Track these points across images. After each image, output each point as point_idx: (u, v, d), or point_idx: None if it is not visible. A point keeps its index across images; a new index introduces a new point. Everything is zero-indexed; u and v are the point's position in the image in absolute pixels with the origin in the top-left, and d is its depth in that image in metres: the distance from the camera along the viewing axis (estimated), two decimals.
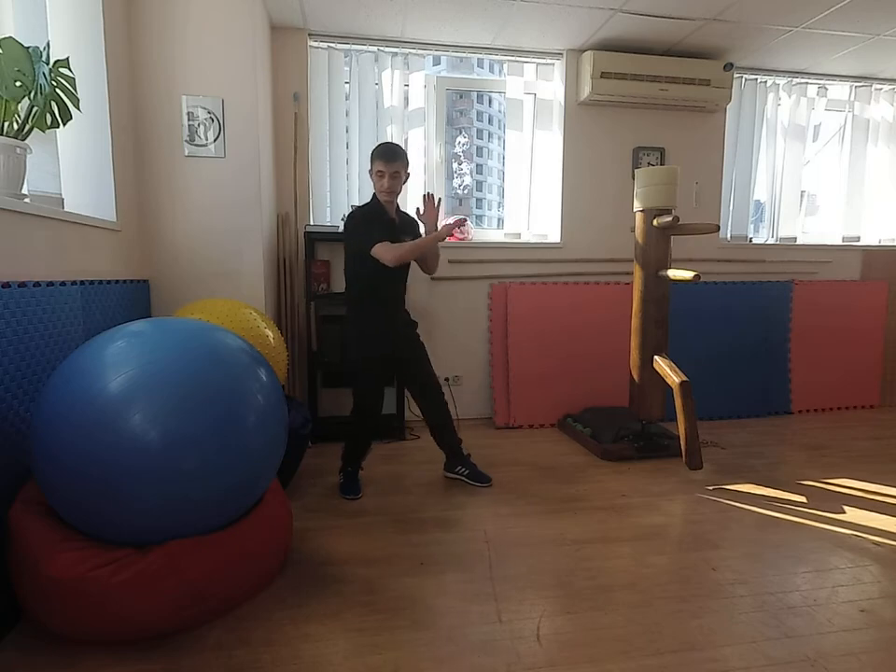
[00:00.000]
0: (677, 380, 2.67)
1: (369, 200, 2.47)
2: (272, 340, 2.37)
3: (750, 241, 3.99)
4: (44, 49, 1.72)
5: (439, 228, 2.43)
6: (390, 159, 2.32)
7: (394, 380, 3.14)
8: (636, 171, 2.93)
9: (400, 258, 2.30)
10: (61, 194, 2.15)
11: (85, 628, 1.42)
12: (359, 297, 2.48)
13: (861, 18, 3.01)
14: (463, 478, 2.55)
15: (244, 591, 1.62)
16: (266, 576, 1.71)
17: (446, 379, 3.54)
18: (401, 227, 2.44)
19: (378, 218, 2.38)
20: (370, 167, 2.39)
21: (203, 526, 1.51)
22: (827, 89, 3.91)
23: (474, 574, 1.80)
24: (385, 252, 2.27)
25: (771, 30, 3.18)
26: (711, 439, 3.19)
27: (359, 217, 2.40)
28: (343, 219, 3.24)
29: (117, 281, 2.27)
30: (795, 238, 4.02)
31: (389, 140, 3.34)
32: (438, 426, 2.57)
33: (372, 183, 2.39)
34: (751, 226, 3.97)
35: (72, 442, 1.35)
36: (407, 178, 2.43)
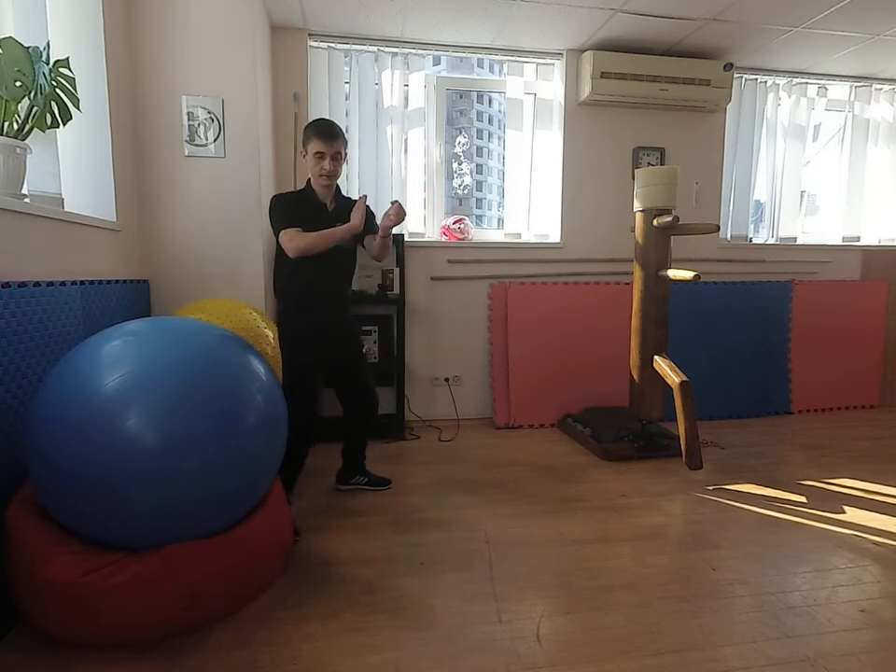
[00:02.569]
0: (677, 380, 2.67)
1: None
2: (272, 340, 2.37)
3: (750, 241, 3.99)
4: (44, 49, 1.72)
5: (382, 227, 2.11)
6: (330, 137, 2.05)
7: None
8: (636, 171, 2.93)
9: (302, 249, 1.98)
10: (61, 194, 2.15)
11: (80, 632, 1.41)
12: (288, 294, 2.20)
13: (860, 18, 3.01)
14: (363, 486, 2.47)
15: (243, 595, 1.60)
16: (266, 580, 1.70)
17: (446, 379, 3.54)
18: (337, 214, 2.13)
19: (302, 204, 2.11)
20: (303, 148, 2.11)
21: (202, 529, 1.49)
22: (827, 89, 3.91)
23: (474, 574, 1.80)
24: (287, 241, 2.00)
25: (771, 30, 3.17)
26: (711, 439, 3.19)
27: (280, 202, 2.11)
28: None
29: (117, 281, 2.27)
30: (795, 238, 4.02)
31: (384, 137, 3.34)
32: (355, 437, 2.45)
33: (308, 166, 2.12)
34: (751, 226, 3.97)
35: (67, 443, 1.34)
36: (344, 160, 2.16)
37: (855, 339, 3.93)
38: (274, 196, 2.16)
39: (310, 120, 2.16)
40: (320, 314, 2.17)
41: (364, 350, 2.41)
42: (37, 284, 1.68)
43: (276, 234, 2.07)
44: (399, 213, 2.07)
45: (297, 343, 2.14)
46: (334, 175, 2.11)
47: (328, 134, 2.05)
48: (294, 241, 2.00)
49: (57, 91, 1.78)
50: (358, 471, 2.49)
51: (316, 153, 2.06)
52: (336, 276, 2.22)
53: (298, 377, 2.10)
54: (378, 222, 2.17)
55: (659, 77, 3.35)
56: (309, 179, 2.16)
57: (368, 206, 2.16)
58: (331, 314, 2.22)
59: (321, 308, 2.17)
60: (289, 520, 1.88)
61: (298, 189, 2.29)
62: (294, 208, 2.09)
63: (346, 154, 2.17)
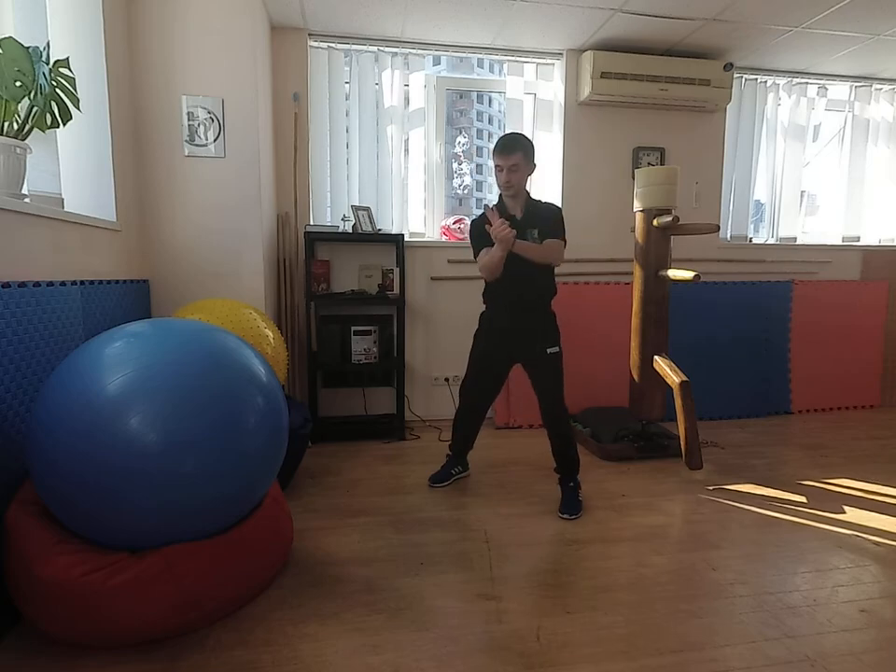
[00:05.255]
0: (677, 380, 2.67)
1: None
2: (272, 340, 2.37)
3: (750, 241, 3.99)
4: (44, 49, 1.72)
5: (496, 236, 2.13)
6: (506, 151, 2.16)
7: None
8: (636, 171, 2.93)
9: (483, 275, 2.26)
10: (61, 194, 2.15)
11: (80, 632, 1.41)
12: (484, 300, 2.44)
13: (861, 18, 3.01)
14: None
15: (242, 595, 1.61)
16: (265, 580, 1.70)
17: (446, 379, 3.54)
18: (525, 221, 2.24)
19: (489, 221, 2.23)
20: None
21: (202, 530, 1.49)
22: (827, 89, 3.91)
23: (474, 574, 1.80)
24: (479, 268, 2.27)
25: (771, 30, 3.17)
26: (711, 439, 3.19)
27: (472, 227, 2.32)
28: (343, 219, 3.25)
29: (117, 281, 2.27)
30: (795, 238, 4.02)
31: (384, 137, 3.33)
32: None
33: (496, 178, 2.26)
34: (751, 226, 3.97)
35: (68, 444, 1.33)
36: (532, 171, 2.25)
37: (855, 339, 3.93)
38: (472, 221, 2.36)
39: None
40: (496, 322, 2.38)
41: (551, 354, 2.30)
42: (37, 284, 1.68)
43: (475, 258, 2.30)
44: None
45: (477, 335, 2.44)
46: (512, 186, 2.21)
47: (503, 149, 2.17)
48: (480, 269, 2.26)
49: (57, 91, 1.78)
50: (560, 481, 2.40)
51: (496, 166, 2.21)
52: (512, 291, 2.28)
53: (472, 363, 2.45)
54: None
55: (659, 77, 3.35)
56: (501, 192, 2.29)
57: (556, 207, 2.31)
58: (505, 321, 2.35)
59: (497, 318, 2.37)
60: (289, 520, 1.88)
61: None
62: (479, 231, 2.22)
63: (532, 163, 2.24)
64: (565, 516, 2.22)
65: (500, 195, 2.30)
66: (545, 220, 2.25)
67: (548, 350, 2.29)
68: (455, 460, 2.60)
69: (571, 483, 2.35)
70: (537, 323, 2.33)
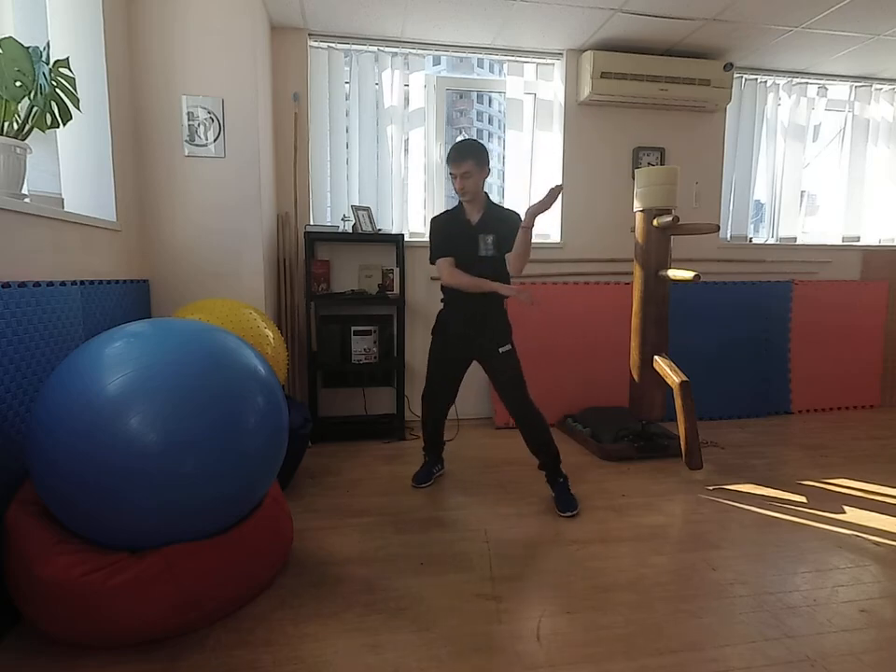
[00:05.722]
0: (677, 380, 2.67)
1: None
2: (272, 340, 2.37)
3: (750, 241, 3.99)
4: (44, 49, 1.72)
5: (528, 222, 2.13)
6: (457, 159, 2.21)
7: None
8: (636, 171, 2.93)
9: (450, 284, 2.29)
10: (61, 194, 2.15)
11: (80, 632, 1.41)
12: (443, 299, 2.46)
13: (861, 18, 3.01)
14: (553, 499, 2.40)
15: (242, 595, 1.61)
16: (265, 580, 1.70)
17: None
18: (482, 226, 2.28)
19: (450, 224, 2.33)
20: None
21: (202, 530, 1.49)
22: (827, 89, 3.91)
23: (474, 574, 1.80)
24: (440, 272, 2.31)
25: (771, 30, 3.17)
26: (711, 439, 3.19)
27: (432, 227, 2.37)
28: (343, 219, 3.25)
29: (117, 281, 2.27)
30: (795, 238, 4.02)
31: (384, 137, 3.33)
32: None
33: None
34: (751, 226, 3.97)
35: (68, 444, 1.33)
36: (486, 176, 2.28)
37: (855, 339, 3.93)
38: (431, 219, 2.41)
39: None
40: (456, 326, 2.37)
41: (504, 353, 2.33)
42: (37, 284, 1.68)
43: (431, 260, 2.35)
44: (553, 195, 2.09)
45: (434, 335, 2.45)
46: (467, 192, 2.25)
47: (455, 157, 2.22)
48: (447, 278, 2.28)
49: (57, 91, 1.78)
50: (548, 479, 2.40)
51: (450, 174, 2.26)
52: (472, 294, 2.28)
53: (432, 368, 2.46)
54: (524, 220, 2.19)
55: (659, 77, 3.35)
56: None
57: (517, 215, 2.30)
58: (467, 326, 2.35)
59: (457, 321, 2.37)
60: (289, 520, 1.88)
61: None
62: (444, 234, 2.31)
63: (485, 169, 2.25)
64: (566, 514, 2.22)
65: (460, 200, 2.33)
66: (504, 227, 2.25)
67: (500, 349, 2.33)
68: (433, 460, 2.64)
69: (560, 479, 2.36)
70: (490, 322, 2.35)
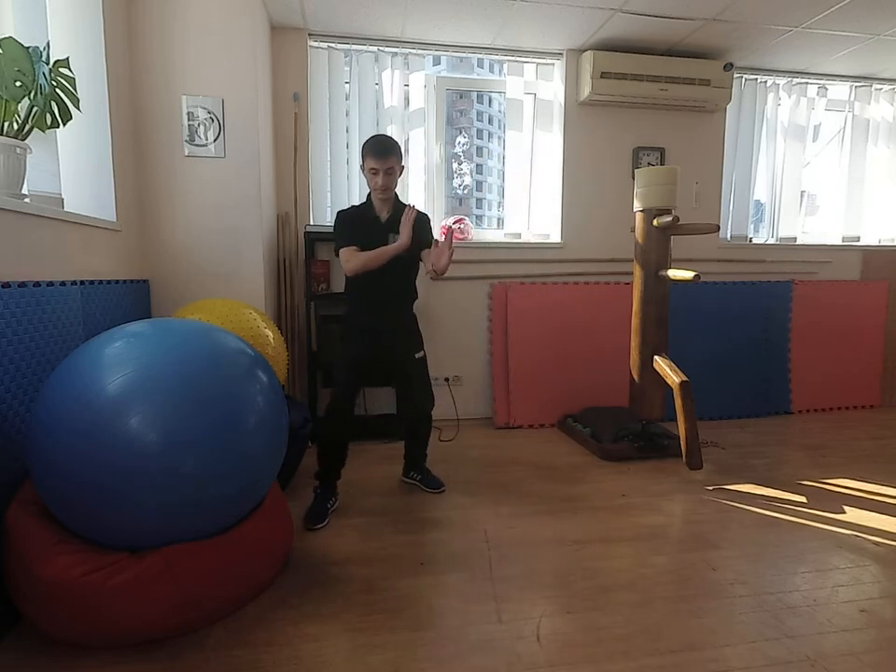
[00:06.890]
0: (677, 380, 2.67)
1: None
2: (272, 340, 2.37)
3: (750, 241, 3.99)
4: (44, 49, 1.72)
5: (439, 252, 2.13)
6: (383, 154, 2.13)
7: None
8: (636, 171, 2.93)
9: (353, 270, 2.15)
10: (61, 194, 2.15)
11: (80, 632, 1.41)
12: (346, 301, 2.38)
13: (861, 18, 3.01)
14: (416, 483, 2.53)
15: (242, 595, 1.60)
16: (265, 580, 1.70)
17: (446, 379, 3.54)
18: (391, 224, 2.23)
19: (358, 219, 2.25)
20: (361, 163, 2.21)
21: (202, 530, 1.49)
22: (827, 89, 3.91)
23: (474, 574, 1.80)
24: (343, 261, 2.18)
25: (771, 30, 3.18)
26: (711, 439, 3.19)
27: (338, 219, 2.27)
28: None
29: (117, 281, 2.27)
30: (795, 238, 4.02)
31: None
32: (406, 439, 2.58)
33: (366, 181, 2.22)
34: (751, 226, 3.97)
35: (68, 444, 1.33)
36: (401, 172, 2.24)
37: (855, 339, 3.93)
38: (338, 212, 2.30)
39: (367, 137, 2.23)
40: (368, 324, 2.31)
41: (419, 359, 2.36)
42: (37, 284, 1.68)
43: (336, 252, 2.24)
44: (450, 246, 2.09)
45: (345, 339, 2.36)
46: (388, 188, 2.20)
47: (380, 153, 2.14)
48: (349, 262, 2.16)
49: (57, 91, 1.78)
50: (414, 468, 2.56)
51: (371, 169, 2.16)
52: (386, 291, 2.26)
53: (340, 368, 2.32)
54: (433, 242, 2.22)
55: (659, 77, 3.35)
56: (369, 192, 2.27)
57: (424, 215, 2.29)
58: (379, 323, 2.31)
59: (369, 320, 2.31)
60: (289, 520, 1.88)
61: (359, 202, 2.39)
62: (350, 225, 2.23)
63: (402, 166, 2.24)
64: (440, 490, 2.44)
65: (368, 195, 2.28)
66: (414, 225, 2.17)
67: (416, 355, 2.34)
68: (328, 492, 2.27)
69: (425, 465, 2.54)
70: (403, 325, 2.35)
